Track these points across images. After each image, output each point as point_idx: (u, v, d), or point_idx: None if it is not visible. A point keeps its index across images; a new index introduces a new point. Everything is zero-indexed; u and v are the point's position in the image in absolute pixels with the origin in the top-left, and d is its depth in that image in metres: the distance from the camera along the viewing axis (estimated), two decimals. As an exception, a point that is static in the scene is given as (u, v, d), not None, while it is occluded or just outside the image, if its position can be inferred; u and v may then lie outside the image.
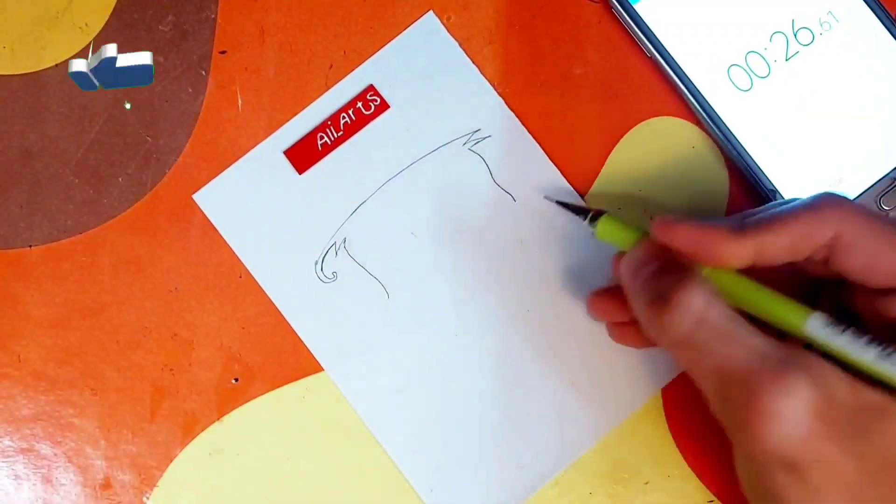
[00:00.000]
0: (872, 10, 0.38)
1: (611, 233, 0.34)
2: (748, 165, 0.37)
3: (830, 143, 0.37)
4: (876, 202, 0.37)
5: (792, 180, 0.37)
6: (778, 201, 0.33)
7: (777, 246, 0.30)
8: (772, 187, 0.37)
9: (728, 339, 0.29)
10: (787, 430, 0.27)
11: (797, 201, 0.31)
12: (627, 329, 0.35)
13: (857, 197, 0.37)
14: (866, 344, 0.29)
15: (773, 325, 0.31)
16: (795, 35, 0.38)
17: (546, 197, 0.37)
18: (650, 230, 0.32)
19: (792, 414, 0.27)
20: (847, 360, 0.29)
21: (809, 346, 0.30)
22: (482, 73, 0.39)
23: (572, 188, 0.38)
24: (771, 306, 0.31)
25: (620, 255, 0.34)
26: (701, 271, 0.31)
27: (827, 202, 0.30)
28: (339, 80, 0.39)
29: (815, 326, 0.30)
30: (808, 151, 0.37)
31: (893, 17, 0.38)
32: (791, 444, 0.27)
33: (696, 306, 0.29)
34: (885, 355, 0.28)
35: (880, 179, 0.37)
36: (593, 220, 0.35)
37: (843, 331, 0.29)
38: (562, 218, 0.38)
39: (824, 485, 0.28)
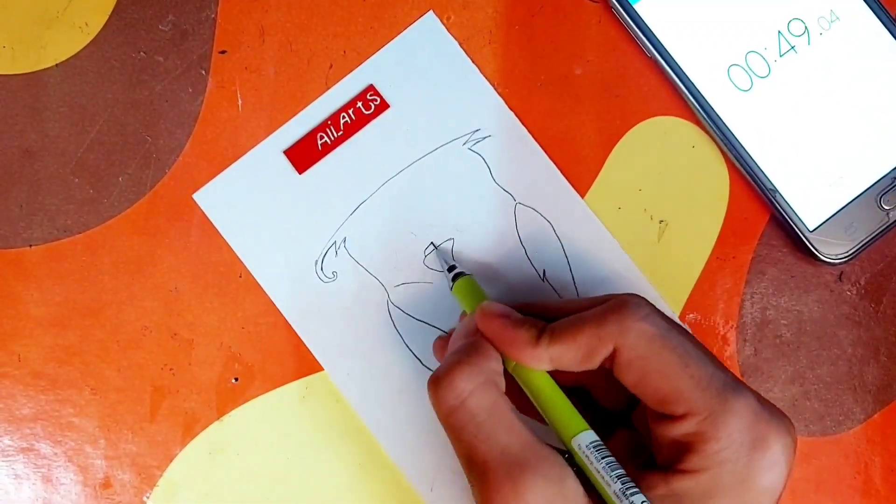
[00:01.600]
0: (872, 9, 0.38)
1: (462, 293, 0.35)
2: (748, 165, 0.37)
3: (830, 143, 0.37)
4: (876, 201, 0.37)
5: (792, 180, 0.37)
6: (584, 301, 0.33)
7: (568, 358, 0.31)
8: (772, 187, 0.37)
9: (479, 430, 0.30)
10: None
11: (592, 310, 0.31)
12: None
13: (858, 196, 0.37)
14: (615, 477, 0.29)
15: (552, 427, 0.31)
16: (795, 34, 0.38)
17: (433, 244, 0.38)
18: (476, 314, 0.33)
19: None
20: (595, 485, 0.30)
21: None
22: (482, 72, 0.39)
23: (568, 182, 0.38)
24: (552, 411, 0.31)
25: (463, 315, 0.35)
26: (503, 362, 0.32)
27: (610, 318, 0.30)
28: (339, 80, 0.39)
29: (579, 444, 0.30)
30: (809, 151, 0.37)
31: (893, 16, 0.38)
32: None
33: (460, 390, 0.30)
34: (624, 493, 0.29)
35: (880, 178, 0.37)
36: (455, 278, 0.36)
37: (602, 458, 0.30)
38: (562, 218, 0.38)
39: None
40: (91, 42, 0.39)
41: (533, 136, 0.39)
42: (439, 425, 0.37)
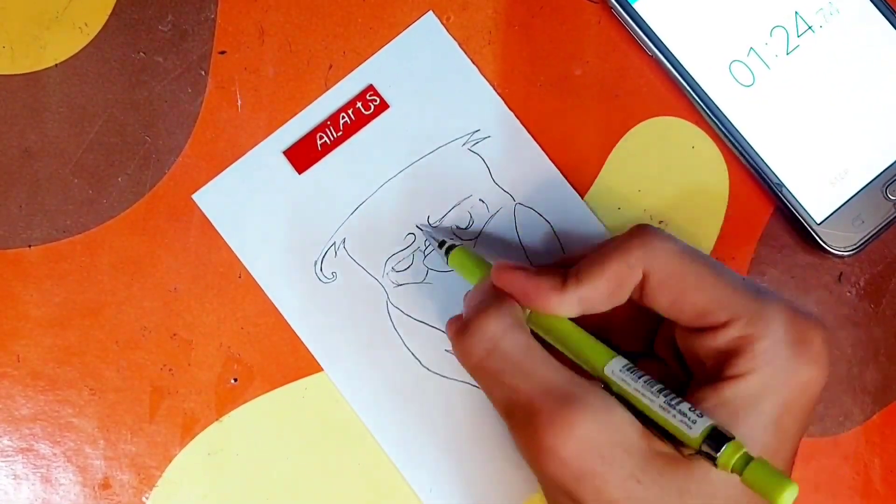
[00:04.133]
0: (872, 0, 0.38)
1: (459, 264, 0.35)
2: (753, 160, 0.37)
3: (834, 136, 0.37)
4: (882, 192, 0.37)
5: (797, 174, 0.37)
6: (601, 243, 0.33)
7: (597, 296, 0.30)
8: (777, 181, 0.37)
9: (517, 370, 0.29)
10: (565, 466, 0.28)
11: (611, 242, 0.31)
12: None
13: (864, 188, 0.37)
14: (657, 392, 0.29)
15: (582, 366, 0.31)
16: (795, 28, 0.38)
17: (418, 226, 0.38)
18: (491, 273, 0.33)
19: (571, 451, 0.28)
20: (639, 406, 0.29)
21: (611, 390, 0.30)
22: (482, 73, 0.39)
23: (568, 182, 0.38)
24: (578, 348, 0.31)
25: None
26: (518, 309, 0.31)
27: (634, 242, 0.30)
28: (339, 80, 0.39)
29: (612, 370, 0.30)
30: (813, 144, 0.37)
31: (893, 6, 0.38)
32: (567, 481, 0.28)
33: (491, 334, 0.30)
34: (669, 403, 0.28)
35: (885, 169, 0.37)
36: (448, 251, 0.36)
37: (639, 378, 0.29)
38: (562, 218, 0.38)
39: None
40: (90, 42, 0.39)
41: (533, 137, 0.39)
42: (439, 425, 0.37)
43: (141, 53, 0.39)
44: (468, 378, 0.37)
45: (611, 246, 0.31)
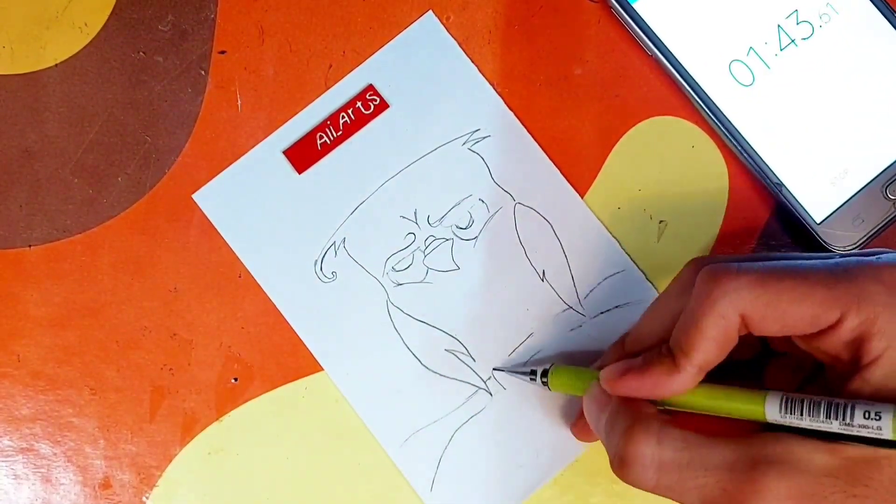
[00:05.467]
0: (872, 0, 0.38)
1: (562, 385, 0.35)
2: (753, 160, 0.37)
3: (834, 135, 0.37)
4: (882, 192, 0.37)
5: (797, 173, 0.37)
6: (657, 308, 0.33)
7: (711, 358, 0.30)
8: (777, 181, 0.37)
9: (692, 469, 0.29)
10: None
11: (692, 299, 0.30)
12: None
13: (864, 187, 0.37)
14: (825, 411, 0.29)
15: (741, 418, 0.31)
16: (795, 28, 0.38)
17: (495, 369, 0.38)
18: (601, 385, 0.32)
19: None
20: (820, 432, 0.29)
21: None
22: (481, 72, 0.39)
23: (568, 182, 0.38)
24: (729, 405, 0.31)
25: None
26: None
27: (715, 292, 0.30)
28: (339, 80, 0.39)
29: (773, 417, 0.30)
30: (812, 144, 0.37)
31: (893, 6, 0.38)
32: None
33: (651, 455, 0.29)
34: (845, 417, 0.28)
35: (885, 169, 0.37)
36: (543, 377, 0.36)
37: (802, 407, 0.29)
38: (562, 218, 0.38)
39: None
40: (90, 42, 0.39)
41: (533, 136, 0.39)
42: (440, 425, 0.37)
43: (141, 53, 0.39)
44: (468, 378, 0.38)
45: (696, 303, 0.30)
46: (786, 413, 0.29)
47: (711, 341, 0.30)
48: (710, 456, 0.29)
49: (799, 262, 0.30)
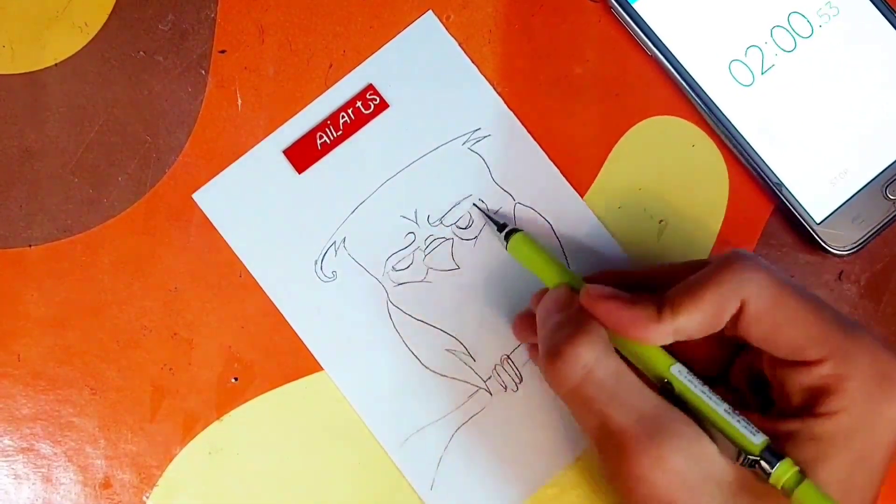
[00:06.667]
0: (872, 0, 0.38)
1: (520, 252, 0.35)
2: (752, 160, 0.37)
3: (834, 135, 0.37)
4: (882, 192, 0.37)
5: (797, 173, 0.37)
6: (676, 265, 0.33)
7: (692, 326, 0.30)
8: (777, 181, 0.37)
9: (611, 398, 0.30)
10: (654, 497, 0.28)
11: (707, 269, 0.31)
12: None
13: (864, 187, 0.37)
14: (719, 399, 0.30)
15: (646, 371, 0.32)
16: (795, 28, 0.38)
17: (475, 204, 0.38)
18: (580, 296, 0.32)
19: (661, 482, 0.28)
20: (704, 409, 0.30)
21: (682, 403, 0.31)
22: (481, 72, 0.39)
23: (568, 181, 0.38)
24: (645, 353, 0.31)
25: (541, 293, 0.34)
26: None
27: (732, 271, 0.30)
28: (339, 80, 0.39)
29: (678, 370, 0.31)
30: (812, 144, 0.37)
31: (893, 6, 0.38)
32: None
33: (585, 361, 0.30)
34: (731, 412, 0.29)
35: (885, 169, 0.37)
36: (507, 235, 0.36)
37: (703, 384, 0.30)
38: (562, 218, 0.38)
39: None
40: (90, 42, 0.39)
41: (533, 136, 0.39)
42: (440, 425, 0.37)
43: (141, 53, 0.39)
44: (468, 377, 0.38)
45: (707, 273, 0.30)
46: (690, 375, 0.30)
47: (701, 312, 0.30)
48: (632, 397, 0.30)
49: (822, 301, 0.30)
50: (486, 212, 0.38)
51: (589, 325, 0.31)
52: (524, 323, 0.36)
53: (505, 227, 0.36)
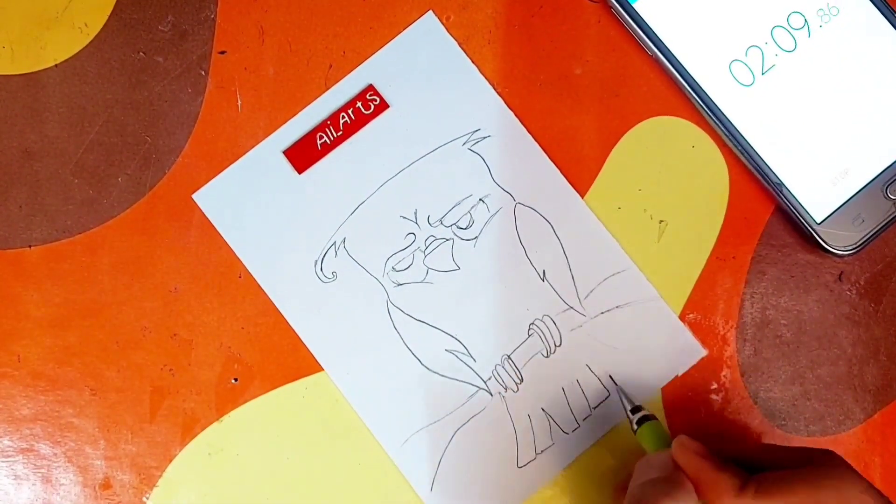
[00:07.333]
0: (872, 0, 0.38)
1: (647, 439, 0.35)
2: (753, 160, 0.37)
3: (834, 135, 0.37)
4: (882, 192, 0.37)
5: (797, 173, 0.37)
6: (778, 450, 0.34)
7: None
8: (777, 181, 0.37)
9: None
10: None
11: (804, 470, 0.31)
12: None
13: (864, 187, 0.37)
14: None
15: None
16: (795, 28, 0.38)
17: (611, 377, 0.38)
18: (672, 445, 0.33)
19: None
20: None
21: None
22: (481, 72, 0.39)
23: (568, 182, 0.38)
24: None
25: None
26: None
27: (828, 480, 0.30)
28: (339, 80, 0.39)
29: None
30: (813, 144, 0.37)
31: (893, 6, 0.38)
32: None
33: None
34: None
35: (885, 169, 0.37)
36: (640, 422, 0.36)
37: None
38: (562, 218, 0.38)
39: None
40: (90, 42, 0.39)
41: (533, 136, 0.39)
42: (440, 425, 0.37)
43: (141, 53, 0.39)
44: (468, 378, 0.38)
45: (800, 474, 0.31)
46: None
47: None
48: None
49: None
50: (621, 391, 0.37)
51: (678, 488, 0.31)
52: (620, 489, 0.37)
53: (639, 410, 0.36)
